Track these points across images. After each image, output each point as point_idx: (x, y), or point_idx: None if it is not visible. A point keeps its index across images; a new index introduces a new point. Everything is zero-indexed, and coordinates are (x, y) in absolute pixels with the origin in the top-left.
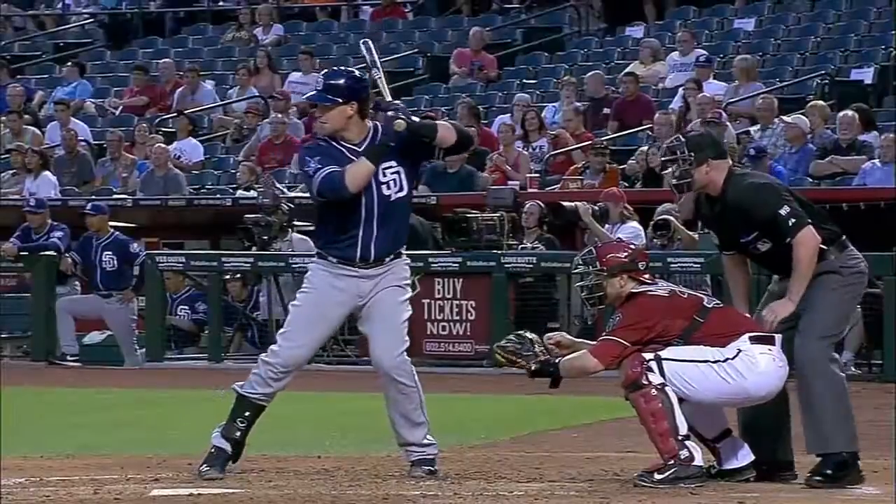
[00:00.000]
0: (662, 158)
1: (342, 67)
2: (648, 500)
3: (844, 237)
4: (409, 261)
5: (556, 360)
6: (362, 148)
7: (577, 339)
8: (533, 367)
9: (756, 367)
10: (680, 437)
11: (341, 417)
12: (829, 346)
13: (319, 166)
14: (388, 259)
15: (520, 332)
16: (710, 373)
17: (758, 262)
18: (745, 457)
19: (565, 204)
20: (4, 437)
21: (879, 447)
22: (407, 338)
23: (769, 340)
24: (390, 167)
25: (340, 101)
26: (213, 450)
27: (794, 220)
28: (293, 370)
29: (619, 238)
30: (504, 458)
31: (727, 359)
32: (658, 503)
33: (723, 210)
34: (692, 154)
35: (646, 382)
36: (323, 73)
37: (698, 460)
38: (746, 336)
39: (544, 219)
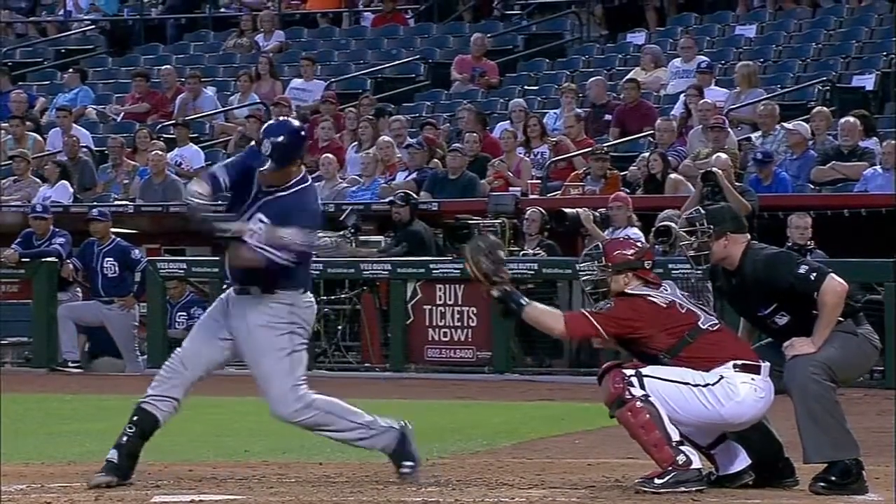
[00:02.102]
0: (682, 229)
1: (284, 118)
2: (646, 500)
3: (862, 313)
4: (290, 301)
5: (525, 302)
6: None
7: None
8: (495, 294)
9: (735, 395)
10: (674, 444)
11: None
12: (821, 373)
13: None
14: (253, 290)
15: (497, 250)
16: (690, 395)
17: (773, 336)
18: (742, 461)
19: (567, 210)
20: (6, 443)
21: (882, 454)
22: (287, 372)
23: (754, 370)
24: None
25: (289, 163)
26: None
27: (815, 274)
28: (178, 377)
29: (627, 236)
30: (506, 465)
31: (707, 384)
32: None
33: (741, 284)
34: (711, 226)
35: (629, 397)
36: (264, 128)
37: (696, 463)
38: (731, 363)
39: (546, 225)
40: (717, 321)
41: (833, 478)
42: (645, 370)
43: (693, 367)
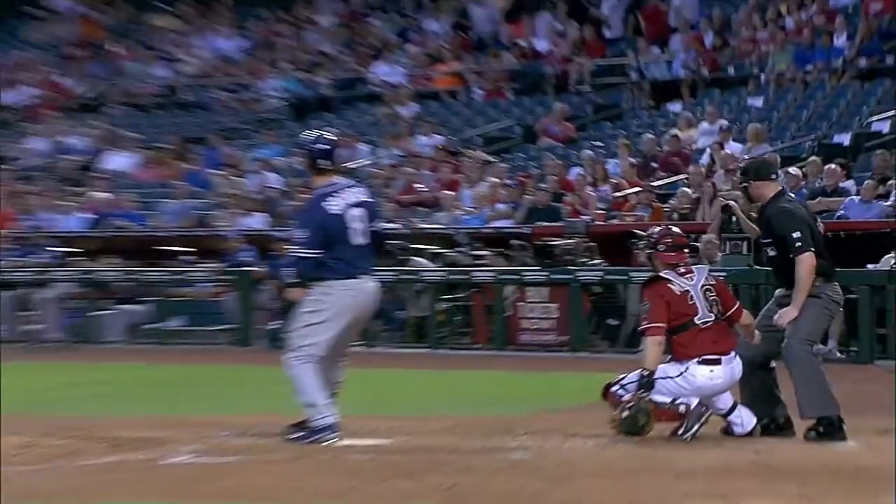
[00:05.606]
0: (736, 178)
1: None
2: (682, 447)
3: (834, 273)
4: (326, 288)
5: (646, 370)
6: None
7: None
8: (644, 395)
9: (694, 382)
10: (671, 405)
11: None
12: (808, 345)
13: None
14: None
15: (629, 414)
16: (660, 384)
17: (766, 264)
18: (750, 422)
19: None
20: (213, 401)
21: (857, 412)
22: (298, 337)
23: (714, 362)
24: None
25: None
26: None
27: (799, 244)
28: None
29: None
30: (580, 420)
31: (670, 377)
32: (686, 453)
33: (760, 218)
34: (745, 174)
35: (618, 416)
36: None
37: (694, 403)
38: (696, 360)
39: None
40: (710, 319)
41: (821, 429)
42: (624, 380)
43: (674, 355)
